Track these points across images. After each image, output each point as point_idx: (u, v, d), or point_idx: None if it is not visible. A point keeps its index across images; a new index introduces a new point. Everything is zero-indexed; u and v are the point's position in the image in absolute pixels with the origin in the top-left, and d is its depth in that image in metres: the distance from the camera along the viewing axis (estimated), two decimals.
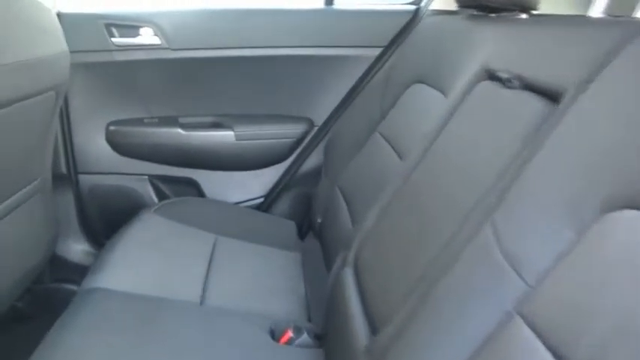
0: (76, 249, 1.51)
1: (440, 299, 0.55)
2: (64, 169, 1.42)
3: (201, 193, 1.51)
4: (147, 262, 1.07)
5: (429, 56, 1.11)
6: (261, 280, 1.12)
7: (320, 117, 1.47)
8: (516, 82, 0.66)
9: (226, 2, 1.42)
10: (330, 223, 1.20)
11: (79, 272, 1.50)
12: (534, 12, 0.92)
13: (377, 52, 1.39)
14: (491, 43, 0.82)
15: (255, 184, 1.51)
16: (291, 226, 1.40)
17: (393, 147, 1.02)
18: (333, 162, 1.36)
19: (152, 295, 0.97)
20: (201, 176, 1.50)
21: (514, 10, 0.94)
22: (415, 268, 0.62)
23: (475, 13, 1.05)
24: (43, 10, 1.00)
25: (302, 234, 1.42)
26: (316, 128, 1.47)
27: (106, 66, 1.35)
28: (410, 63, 1.20)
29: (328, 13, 1.40)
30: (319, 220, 1.28)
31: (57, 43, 1.04)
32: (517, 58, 0.71)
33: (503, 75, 0.69)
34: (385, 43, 1.38)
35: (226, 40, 1.36)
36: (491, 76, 0.74)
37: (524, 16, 0.93)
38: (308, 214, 1.45)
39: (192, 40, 1.35)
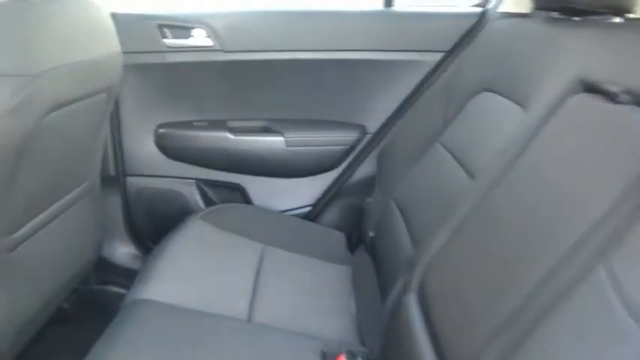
0: (122, 252, 1.50)
1: (539, 349, 0.47)
2: (112, 171, 1.41)
3: (247, 199, 1.47)
4: (194, 273, 1.03)
5: (500, 63, 1.02)
6: (310, 296, 1.07)
7: (373, 124, 1.40)
8: (627, 97, 0.57)
9: (281, 4, 1.37)
10: (384, 238, 1.13)
11: (124, 275, 1.49)
12: (630, 16, 0.82)
13: (438, 57, 1.30)
14: (586, 51, 0.73)
15: (303, 192, 1.46)
16: (340, 238, 1.34)
17: (459, 162, 0.94)
18: (387, 172, 1.29)
19: (199, 309, 0.93)
20: (248, 182, 1.46)
21: (605, 14, 0.84)
22: (502, 307, 0.54)
23: (556, 16, 0.96)
24: (98, 11, 0.98)
25: (351, 246, 1.35)
26: (369, 136, 1.40)
27: (157, 67, 1.33)
28: (476, 70, 1.11)
29: (387, 16, 1.33)
30: (372, 234, 1.21)
31: (111, 45, 1.02)
32: (625, 70, 0.62)
33: (611, 88, 0.60)
34: (447, 48, 1.29)
35: (280, 42, 1.31)
36: (590, 88, 0.66)
37: (617, 20, 0.83)
38: (358, 226, 1.39)
39: (245, 42, 1.30)
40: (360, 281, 1.18)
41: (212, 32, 1.29)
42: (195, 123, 1.41)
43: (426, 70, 1.31)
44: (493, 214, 0.67)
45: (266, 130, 1.40)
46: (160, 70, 1.34)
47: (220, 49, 1.30)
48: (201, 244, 1.13)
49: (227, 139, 1.39)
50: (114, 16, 1.14)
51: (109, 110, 1.14)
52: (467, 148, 0.94)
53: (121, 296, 1.47)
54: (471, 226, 0.71)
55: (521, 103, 0.84)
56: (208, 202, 1.47)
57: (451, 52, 1.29)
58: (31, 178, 0.90)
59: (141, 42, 1.29)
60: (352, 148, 1.41)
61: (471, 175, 0.85)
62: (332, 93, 1.37)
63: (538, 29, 0.96)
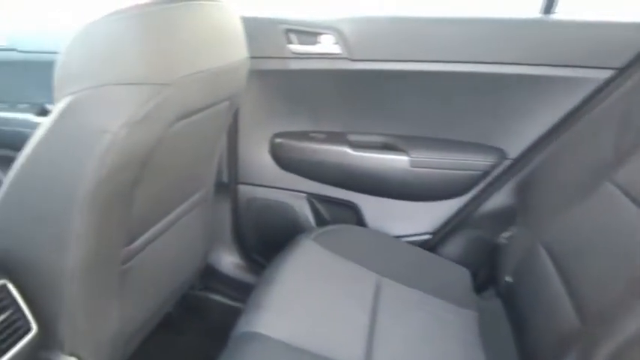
0: (227, 260, 1.46)
1: None
2: (225, 178, 1.37)
3: (360, 220, 1.36)
4: (306, 305, 0.94)
5: None
6: (432, 345, 0.94)
7: (515, 148, 1.20)
8: None
9: (419, 8, 1.23)
10: (528, 289, 0.95)
11: (227, 284, 1.46)
12: None
13: (606, 74, 1.08)
14: None
15: (423, 217, 1.31)
16: (464, 275, 1.18)
17: None
18: (532, 207, 1.10)
19: (311, 350, 0.83)
20: (363, 201, 1.34)
21: None
22: None
23: None
24: (231, 15, 0.92)
25: (477, 287, 1.18)
26: (508, 161, 1.22)
27: (279, 74, 1.26)
28: None
29: (545, 25, 1.13)
30: (508, 279, 1.04)
31: (240, 51, 0.96)
32: None
33: None
34: (619, 65, 1.07)
35: (414, 52, 1.17)
36: None
37: None
38: (487, 264, 1.21)
39: (376, 51, 1.18)
40: (490, 332, 1.01)
41: (341, 39, 1.18)
42: (312, 134, 1.32)
43: (588, 89, 1.10)
44: None
45: (389, 147, 1.27)
46: (281, 77, 1.27)
47: (348, 57, 1.19)
48: (315, 271, 1.04)
49: (345, 153, 1.28)
50: (242, 20, 1.09)
51: (229, 117, 1.09)
52: None
53: (223, 305, 1.45)
54: None
55: None
56: (319, 218, 1.38)
57: (625, 70, 1.06)
58: (151, 188, 0.87)
59: (266, 47, 1.23)
60: (486, 173, 1.23)
61: None
62: (469, 110, 1.21)
63: None
